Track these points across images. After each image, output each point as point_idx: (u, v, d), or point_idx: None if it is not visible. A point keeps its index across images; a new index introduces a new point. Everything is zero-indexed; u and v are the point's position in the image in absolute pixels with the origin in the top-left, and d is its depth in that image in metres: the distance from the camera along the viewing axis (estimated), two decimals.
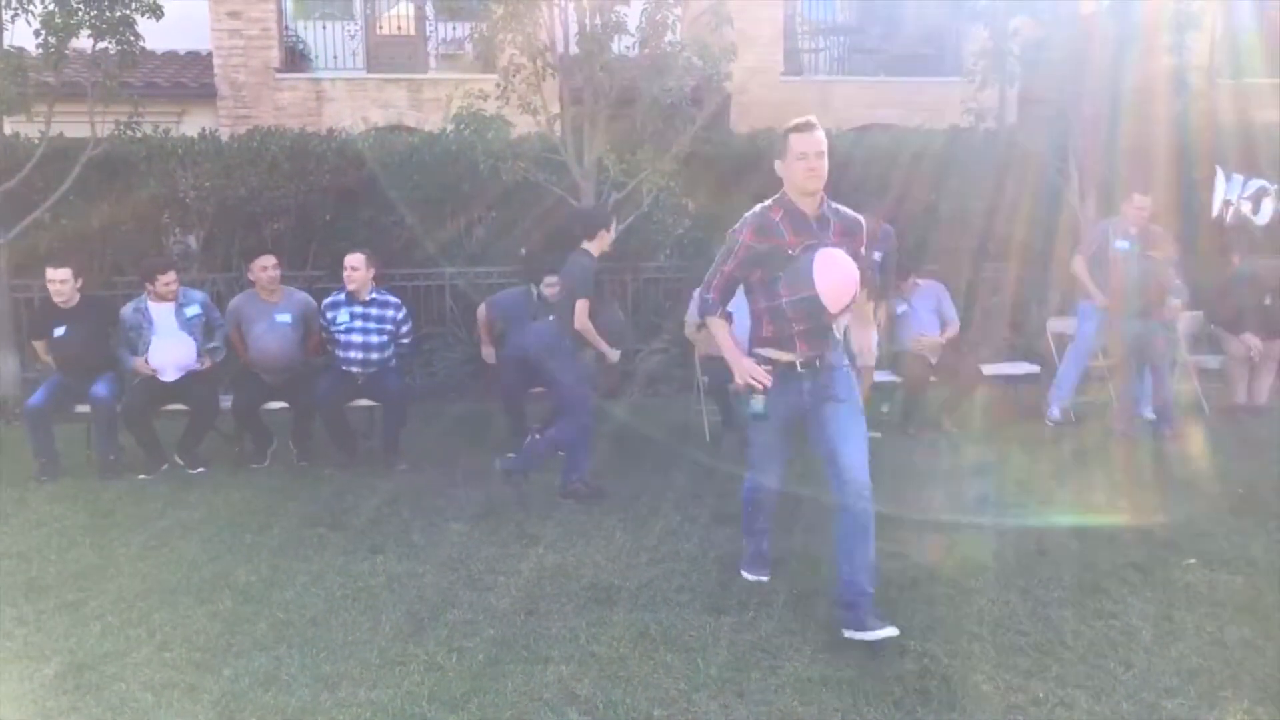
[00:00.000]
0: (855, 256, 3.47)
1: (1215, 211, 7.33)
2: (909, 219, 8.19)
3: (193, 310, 5.93)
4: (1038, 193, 8.61)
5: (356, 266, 5.90)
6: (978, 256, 8.77)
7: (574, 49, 7.50)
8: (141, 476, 5.64)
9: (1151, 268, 6.49)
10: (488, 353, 6.84)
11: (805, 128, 3.36)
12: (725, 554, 4.22)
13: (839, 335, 3.55)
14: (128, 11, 7.15)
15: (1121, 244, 6.47)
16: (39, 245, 7.47)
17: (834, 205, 3.51)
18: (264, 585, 3.96)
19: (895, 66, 12.35)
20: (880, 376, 6.46)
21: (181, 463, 5.81)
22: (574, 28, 7.44)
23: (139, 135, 7.60)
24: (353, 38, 11.77)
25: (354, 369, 5.88)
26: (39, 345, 6.02)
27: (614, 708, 2.95)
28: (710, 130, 8.40)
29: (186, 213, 8.09)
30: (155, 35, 7.65)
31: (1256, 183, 7.25)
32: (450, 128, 7.82)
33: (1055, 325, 7.46)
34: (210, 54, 11.17)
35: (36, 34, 7.04)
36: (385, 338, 5.94)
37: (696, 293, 4.22)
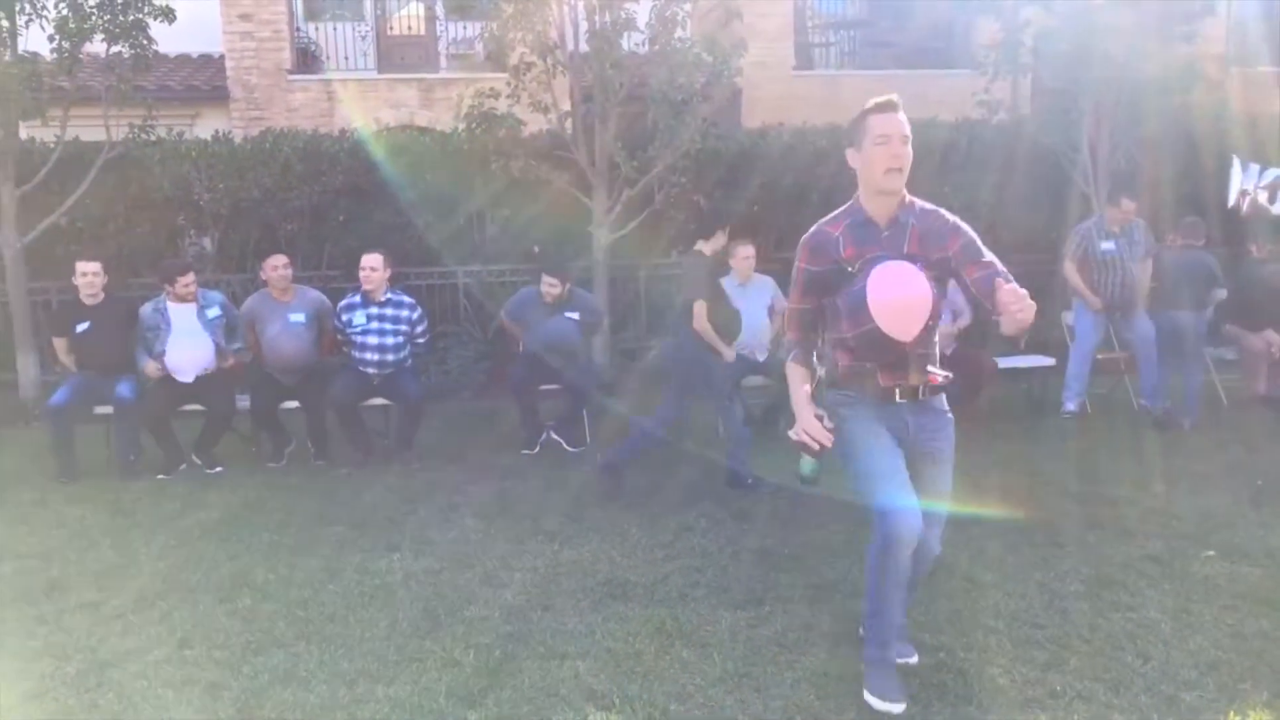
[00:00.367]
0: (937, 265, 2.84)
1: (1231, 201, 7.24)
2: None
3: (214, 312, 5.97)
4: (1051, 184, 8.58)
5: (375, 267, 5.91)
6: (991, 249, 8.69)
7: (584, 46, 7.51)
8: (160, 477, 5.69)
9: (1198, 258, 6.50)
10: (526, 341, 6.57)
11: (887, 107, 2.88)
12: (740, 549, 4.22)
13: (935, 360, 2.98)
14: (140, 15, 7.23)
15: (1107, 245, 6.53)
16: (56, 249, 7.55)
17: (921, 206, 2.92)
18: (282, 583, 3.99)
19: (906, 60, 12.29)
20: None
21: (199, 462, 5.86)
22: (584, 25, 7.46)
23: (153, 138, 7.68)
24: (363, 38, 11.84)
25: (370, 370, 5.90)
26: (59, 344, 6.02)
27: (630, 703, 2.95)
28: (720, 125, 8.39)
29: (201, 215, 8.13)
30: (168, 39, 7.72)
31: (1273, 171, 7.14)
32: (461, 127, 7.84)
33: (1069, 318, 7.42)
34: (222, 56, 11.24)
35: (51, 39, 7.13)
36: (401, 339, 5.95)
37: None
